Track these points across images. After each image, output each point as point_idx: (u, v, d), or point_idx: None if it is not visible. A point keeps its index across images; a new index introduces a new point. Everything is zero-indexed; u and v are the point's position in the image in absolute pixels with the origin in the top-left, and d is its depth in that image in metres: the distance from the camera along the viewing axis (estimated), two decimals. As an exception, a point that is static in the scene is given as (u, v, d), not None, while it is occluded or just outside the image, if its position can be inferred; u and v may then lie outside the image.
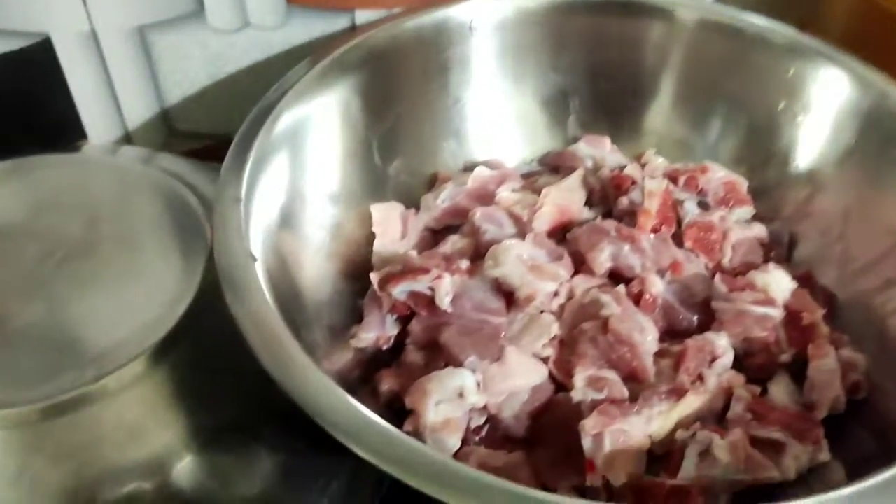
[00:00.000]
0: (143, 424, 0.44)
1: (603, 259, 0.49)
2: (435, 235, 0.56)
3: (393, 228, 0.55)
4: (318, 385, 0.37)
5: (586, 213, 0.55)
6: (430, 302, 0.48)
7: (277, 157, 0.50)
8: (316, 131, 0.53)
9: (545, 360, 0.47)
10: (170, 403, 0.45)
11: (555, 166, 0.61)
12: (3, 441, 0.42)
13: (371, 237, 0.55)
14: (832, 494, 0.34)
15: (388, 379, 0.47)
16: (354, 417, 0.36)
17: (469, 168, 0.60)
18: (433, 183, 0.60)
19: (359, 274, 0.53)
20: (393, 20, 0.58)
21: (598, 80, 0.62)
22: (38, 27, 0.58)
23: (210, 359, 0.46)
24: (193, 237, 0.50)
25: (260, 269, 0.42)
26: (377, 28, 0.57)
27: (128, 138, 0.66)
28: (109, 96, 0.63)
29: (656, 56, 0.61)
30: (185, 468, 0.44)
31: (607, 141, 0.61)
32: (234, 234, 0.43)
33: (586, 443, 0.41)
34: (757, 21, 0.59)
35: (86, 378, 0.43)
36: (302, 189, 0.51)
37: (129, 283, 0.48)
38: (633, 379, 0.45)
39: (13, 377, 0.43)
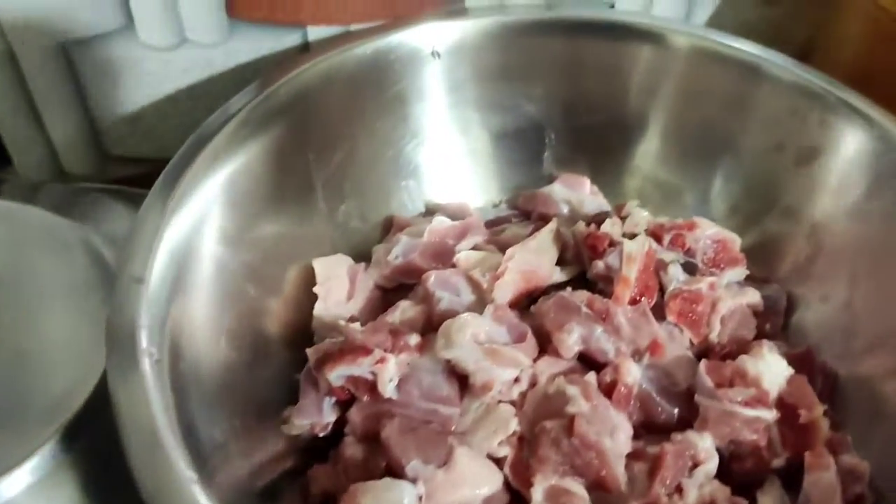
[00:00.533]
0: None
1: (572, 342, 0.42)
2: (385, 295, 0.50)
3: (338, 288, 0.49)
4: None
5: (557, 275, 0.48)
6: (372, 387, 0.42)
7: (203, 207, 0.43)
8: (252, 174, 0.47)
9: (501, 462, 0.40)
10: None
11: (526, 211, 0.55)
12: None
13: (314, 297, 0.49)
14: None
15: (321, 478, 0.41)
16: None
17: (430, 210, 0.54)
18: (388, 229, 0.53)
19: (298, 340, 0.46)
20: (347, 41, 0.52)
21: (577, 113, 0.55)
22: (-52, 45, 0.52)
23: (119, 453, 0.40)
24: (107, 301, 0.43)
25: (151, 368, 0.35)
26: (329, 52, 0.51)
27: (58, 164, 0.59)
28: (33, 120, 0.57)
29: (644, 86, 0.55)
30: None
31: (587, 182, 0.55)
32: (126, 327, 0.36)
33: (543, 577, 0.36)
34: (758, 52, 0.52)
35: None
36: (231, 242, 0.45)
37: (29, 359, 0.42)
38: (601, 488, 0.39)
39: None
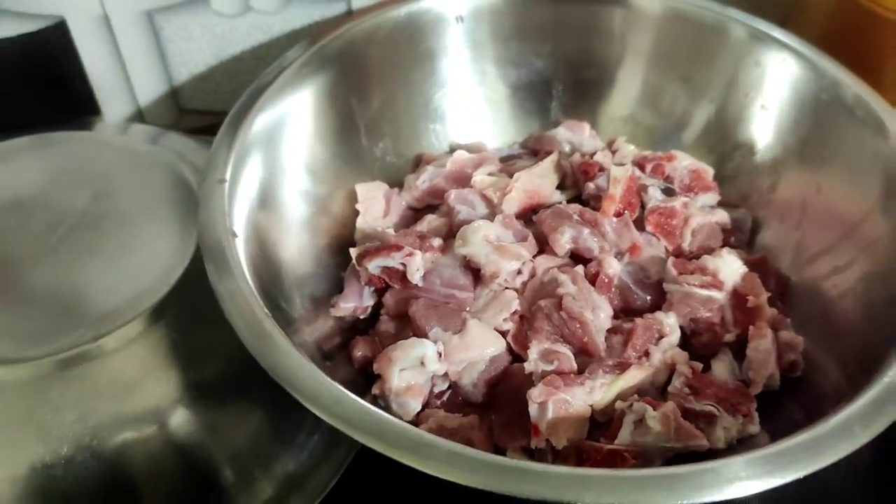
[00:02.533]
0: (138, 379, 0.48)
1: (564, 241, 0.52)
2: (416, 214, 0.60)
3: (376, 207, 0.59)
4: (288, 358, 0.41)
5: (557, 196, 0.58)
6: (402, 276, 0.52)
7: (265, 138, 0.54)
8: (304, 114, 0.57)
9: (505, 334, 0.51)
10: (163, 361, 0.49)
11: (534, 150, 0.65)
12: (15, 390, 0.47)
13: (356, 214, 0.59)
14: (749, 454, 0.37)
15: (362, 346, 0.51)
16: (320, 388, 0.40)
17: (453, 150, 0.64)
18: (418, 164, 0.64)
19: (344, 248, 0.56)
20: (382, 8, 0.62)
21: (578, 68, 0.65)
22: (54, 10, 0.62)
23: (200, 322, 0.50)
24: (190, 212, 0.54)
25: (240, 246, 0.46)
26: (368, 15, 0.61)
27: (140, 116, 0.70)
28: (122, 76, 0.67)
29: (622, 45, 0.64)
30: (176, 420, 0.48)
31: (586, 126, 0.65)
32: (216, 214, 0.47)
33: (532, 409, 0.45)
34: (720, 10, 0.61)
35: (87, 337, 0.47)
36: (289, 168, 0.55)
37: (128, 253, 0.52)
38: (584, 353, 0.49)
39: (23, 335, 0.48)
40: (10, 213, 0.54)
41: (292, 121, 0.56)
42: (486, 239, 0.52)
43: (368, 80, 0.61)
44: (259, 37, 0.67)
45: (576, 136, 0.64)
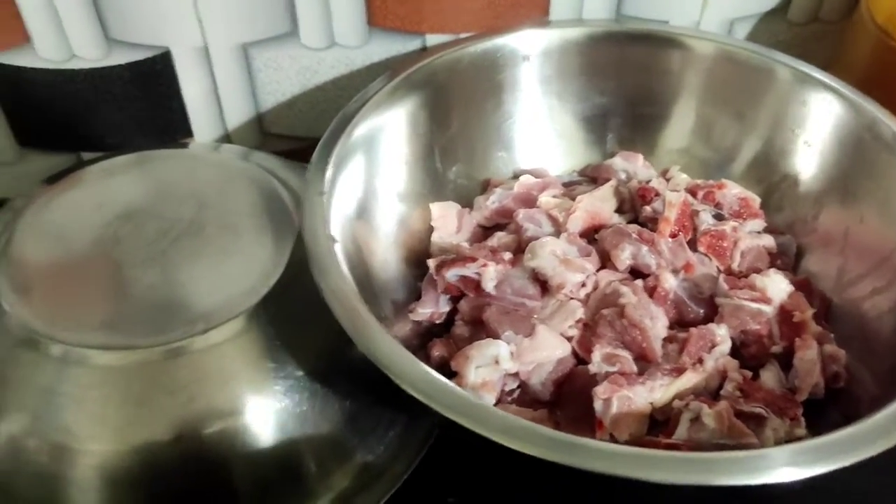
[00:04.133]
0: (237, 372, 0.53)
1: (624, 257, 0.58)
2: (485, 231, 0.65)
3: (450, 224, 0.65)
4: (388, 346, 0.47)
5: (615, 219, 0.63)
6: (477, 285, 0.57)
7: (355, 158, 0.60)
8: (387, 138, 0.63)
9: (570, 339, 0.55)
10: (261, 354, 0.54)
11: (593, 178, 0.70)
12: (131, 374, 0.52)
13: (430, 230, 0.65)
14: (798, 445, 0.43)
15: (439, 347, 0.57)
16: (417, 371, 0.45)
17: (517, 176, 0.69)
18: (485, 187, 0.69)
19: (419, 260, 0.62)
20: (457, 45, 0.68)
21: (634, 104, 0.71)
22: (161, 41, 0.69)
23: (294, 321, 0.55)
24: (283, 223, 0.60)
25: (339, 250, 0.52)
26: (443, 51, 0.67)
27: (227, 138, 0.76)
28: (214, 102, 0.74)
29: (678, 83, 0.70)
30: (269, 408, 0.53)
31: (640, 157, 0.70)
32: (318, 221, 0.53)
33: (597, 405, 0.50)
34: (767, 53, 0.67)
35: (195, 330, 0.53)
36: (375, 187, 0.61)
37: (229, 258, 0.58)
38: (643, 358, 0.54)
39: (138, 327, 0.53)
40: (123, 221, 0.60)
41: (379, 142, 0.62)
42: (553, 253, 0.57)
43: (446, 109, 0.67)
44: (342, 69, 0.73)
45: (630, 165, 0.69)
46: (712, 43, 0.68)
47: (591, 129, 0.72)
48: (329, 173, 0.56)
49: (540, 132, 0.71)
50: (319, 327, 0.52)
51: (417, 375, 0.45)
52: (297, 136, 0.77)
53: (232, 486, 0.53)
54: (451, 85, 0.66)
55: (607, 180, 0.67)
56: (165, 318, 0.54)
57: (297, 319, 0.56)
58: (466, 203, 0.67)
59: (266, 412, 0.53)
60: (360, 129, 0.60)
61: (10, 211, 0.63)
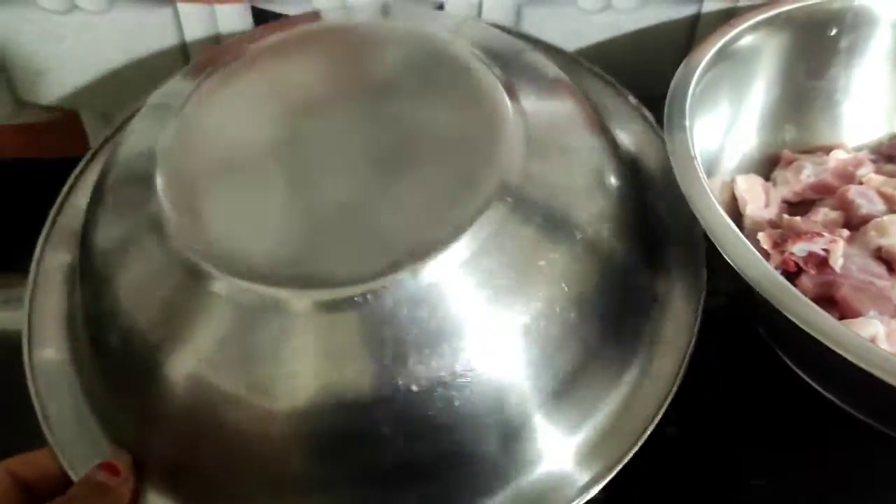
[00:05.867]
0: (462, 313, 0.44)
1: (983, 239, 0.55)
2: (790, 208, 0.63)
3: (757, 197, 0.62)
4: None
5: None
6: (821, 262, 0.55)
7: (707, 102, 0.57)
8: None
9: (932, 324, 0.53)
10: (490, 296, 0.44)
11: (888, 155, 0.67)
12: (330, 321, 0.43)
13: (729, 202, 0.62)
14: None
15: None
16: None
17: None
18: (776, 162, 0.66)
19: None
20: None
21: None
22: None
23: (527, 250, 0.46)
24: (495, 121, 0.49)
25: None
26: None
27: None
28: None
29: None
30: (497, 356, 0.44)
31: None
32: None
33: None
34: None
35: (406, 263, 0.43)
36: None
37: (442, 167, 0.48)
38: None
39: (333, 260, 0.44)
40: (302, 117, 0.51)
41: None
42: (901, 232, 0.55)
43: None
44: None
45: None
46: None
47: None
48: (687, 112, 0.54)
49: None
50: (562, 255, 0.45)
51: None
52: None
53: (453, 455, 0.44)
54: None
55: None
56: (368, 249, 0.44)
57: (530, 248, 0.45)
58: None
59: (495, 360, 0.44)
60: (718, 69, 0.58)
61: (162, 109, 0.53)
